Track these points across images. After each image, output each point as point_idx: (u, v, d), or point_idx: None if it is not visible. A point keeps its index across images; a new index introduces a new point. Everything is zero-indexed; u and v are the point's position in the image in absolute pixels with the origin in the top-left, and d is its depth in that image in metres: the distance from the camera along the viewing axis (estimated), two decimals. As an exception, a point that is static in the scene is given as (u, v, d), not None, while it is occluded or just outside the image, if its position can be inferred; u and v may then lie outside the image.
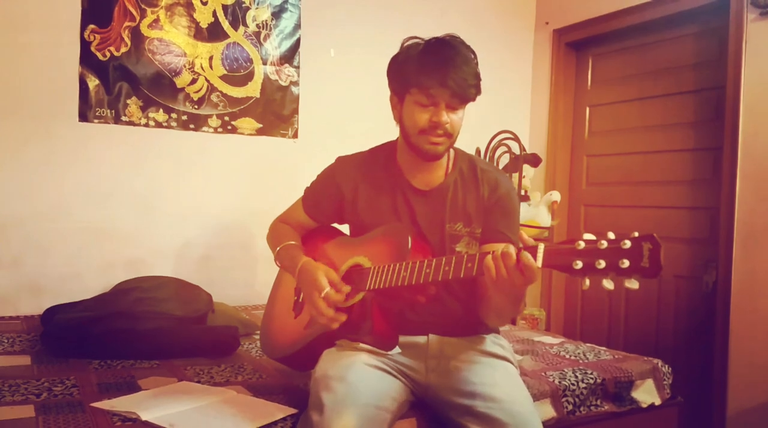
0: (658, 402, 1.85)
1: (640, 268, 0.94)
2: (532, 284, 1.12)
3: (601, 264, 0.97)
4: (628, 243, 0.95)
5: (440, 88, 1.33)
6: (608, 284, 0.98)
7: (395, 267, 1.28)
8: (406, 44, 1.41)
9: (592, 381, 1.73)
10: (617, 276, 0.97)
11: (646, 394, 1.83)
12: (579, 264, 0.99)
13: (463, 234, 1.43)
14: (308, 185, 1.62)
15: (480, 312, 1.41)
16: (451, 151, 1.49)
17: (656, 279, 0.94)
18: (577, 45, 3.17)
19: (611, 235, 0.98)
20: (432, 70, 1.33)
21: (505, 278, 1.09)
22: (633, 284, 0.96)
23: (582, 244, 1.00)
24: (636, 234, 0.96)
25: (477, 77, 1.35)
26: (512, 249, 1.09)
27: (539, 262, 1.06)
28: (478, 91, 1.37)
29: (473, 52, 1.38)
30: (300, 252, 1.50)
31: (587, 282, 1.00)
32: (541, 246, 1.06)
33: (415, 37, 1.40)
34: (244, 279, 2.67)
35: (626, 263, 0.94)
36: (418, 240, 1.37)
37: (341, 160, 1.57)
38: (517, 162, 2.95)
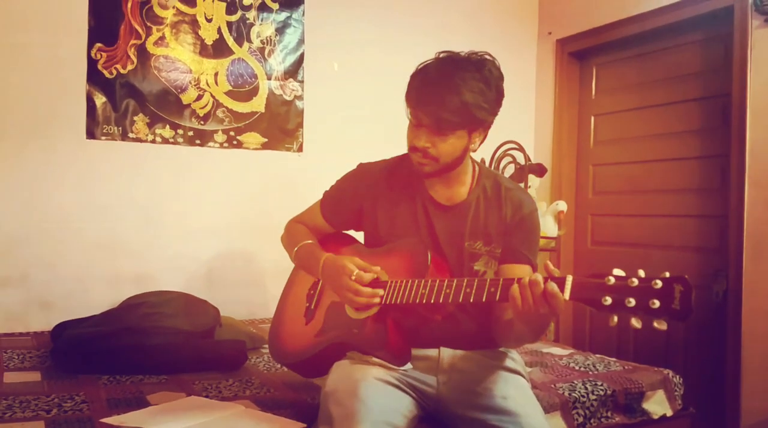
0: (669, 413, 1.83)
1: (670, 310, 0.93)
2: (557, 316, 1.11)
3: (632, 302, 0.96)
4: (659, 284, 0.94)
5: (419, 112, 1.32)
6: (636, 323, 0.96)
7: (414, 284, 1.26)
8: (429, 59, 1.38)
9: (602, 393, 1.71)
10: (645, 315, 0.95)
11: (658, 405, 1.81)
12: (608, 301, 0.98)
13: (482, 253, 1.41)
14: (327, 189, 1.60)
15: (496, 336, 1.40)
16: (476, 167, 1.48)
17: (684, 322, 0.93)
18: (580, 54, 3.18)
19: (642, 273, 0.97)
20: (416, 93, 1.33)
21: (531, 308, 1.07)
22: (662, 325, 0.94)
23: (612, 280, 0.99)
24: (667, 274, 0.95)
25: (464, 107, 1.27)
26: (540, 279, 1.07)
27: (567, 295, 1.04)
28: (471, 119, 1.30)
29: (484, 77, 1.30)
30: (320, 250, 1.49)
31: (615, 319, 0.98)
32: (569, 278, 1.05)
33: (446, 52, 1.36)
34: (251, 293, 2.67)
35: (657, 303, 0.93)
36: (436, 257, 1.35)
37: (363, 167, 1.55)
38: (523, 172, 2.95)
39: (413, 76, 1.36)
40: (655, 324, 0.95)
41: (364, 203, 1.50)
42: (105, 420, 1.35)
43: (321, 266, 1.43)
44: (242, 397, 1.59)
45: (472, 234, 1.41)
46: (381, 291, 1.31)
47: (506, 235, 1.41)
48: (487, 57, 1.35)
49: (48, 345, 1.99)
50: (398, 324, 1.34)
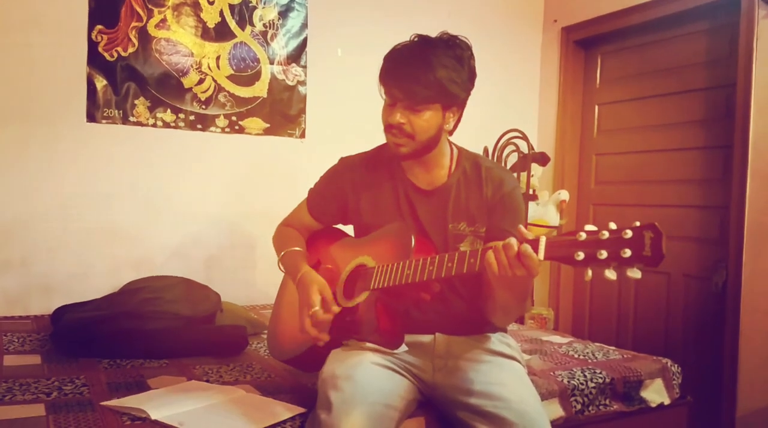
0: (667, 401, 1.84)
1: (642, 257, 0.93)
2: (534, 277, 1.12)
3: (603, 254, 0.96)
4: (629, 233, 0.95)
5: (393, 89, 1.35)
6: (610, 274, 0.97)
7: (399, 266, 1.28)
8: (404, 41, 1.42)
9: (600, 381, 1.72)
10: (620, 266, 0.96)
11: (656, 394, 1.82)
12: (581, 255, 0.99)
13: (467, 234, 1.43)
14: (312, 187, 1.63)
15: (486, 311, 1.41)
16: (455, 149, 1.49)
17: (656, 267, 0.93)
18: (585, 43, 3.15)
19: (613, 226, 0.98)
20: (389, 69, 1.37)
21: (507, 271, 1.09)
22: (635, 273, 0.95)
23: (583, 235, 1.00)
24: (637, 223, 0.96)
25: (437, 82, 1.31)
26: (514, 242, 1.08)
27: (541, 254, 1.05)
28: (444, 93, 1.34)
29: (456, 55, 1.35)
30: (302, 260, 1.50)
31: (590, 273, 0.99)
32: (543, 239, 1.06)
33: (418, 35, 1.40)
34: (252, 278, 2.67)
35: (628, 252, 0.94)
36: (421, 239, 1.37)
37: (344, 161, 1.58)
38: (526, 161, 2.94)
39: (387, 57, 1.39)
40: (629, 274, 0.96)
41: (348, 195, 1.53)
42: (105, 403, 1.35)
43: (297, 282, 1.45)
44: (243, 382, 1.59)
45: (455, 216, 1.43)
46: (326, 338, 1.34)
47: (489, 214, 1.43)
48: (460, 37, 1.39)
49: (48, 328, 2.00)
50: (389, 308, 1.35)
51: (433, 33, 1.41)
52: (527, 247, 1.06)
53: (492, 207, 1.43)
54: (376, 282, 1.32)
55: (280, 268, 1.59)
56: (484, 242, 1.42)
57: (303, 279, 1.43)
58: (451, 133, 1.45)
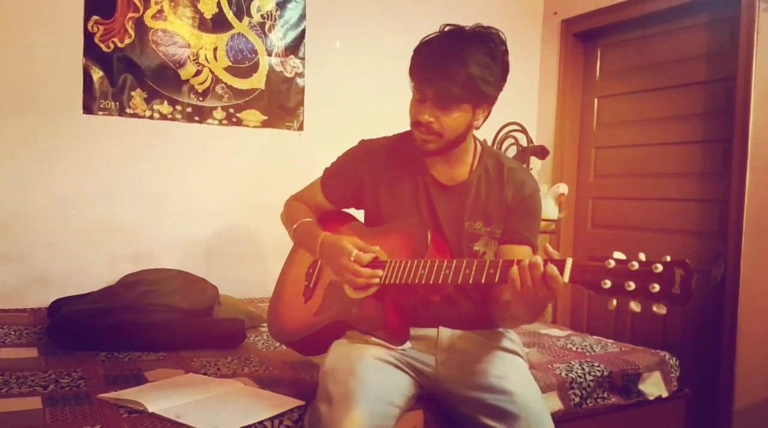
0: (665, 394, 1.84)
1: (670, 294, 0.92)
2: (555, 299, 1.10)
3: (631, 286, 0.95)
4: (660, 268, 0.93)
5: (423, 86, 1.31)
6: (635, 306, 0.96)
7: (413, 264, 1.25)
8: (434, 32, 1.36)
9: (599, 374, 1.72)
10: (645, 299, 0.95)
11: (654, 387, 1.82)
12: (608, 284, 0.97)
13: (482, 234, 1.40)
14: (328, 166, 1.58)
15: (495, 317, 1.39)
16: (478, 146, 1.46)
17: (684, 306, 0.93)
18: (585, 35, 3.14)
19: (642, 257, 0.96)
20: (421, 66, 1.31)
21: (530, 290, 1.07)
22: (661, 309, 0.94)
23: (612, 263, 0.98)
24: (668, 258, 0.94)
25: (469, 80, 1.26)
26: (540, 261, 1.06)
27: (566, 277, 1.03)
28: (476, 92, 1.29)
29: (490, 50, 1.29)
30: (319, 228, 1.47)
31: (614, 302, 0.98)
32: (569, 261, 1.04)
33: (451, 25, 1.34)
34: (249, 271, 2.66)
35: (657, 288, 0.92)
36: (436, 237, 1.34)
37: (365, 145, 1.53)
38: (525, 154, 2.93)
39: (417, 50, 1.34)
40: (655, 309, 0.94)
41: (365, 180, 1.49)
42: (102, 395, 1.35)
43: (319, 245, 1.42)
44: (241, 375, 1.59)
45: (473, 215, 1.40)
46: (380, 272, 1.30)
47: (507, 216, 1.40)
48: (493, 30, 1.33)
49: (45, 321, 1.99)
50: (397, 304, 1.33)
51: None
52: (553, 269, 1.04)
53: (511, 209, 1.40)
54: (387, 278, 1.29)
55: (292, 239, 1.55)
56: (499, 243, 1.40)
57: (326, 239, 1.40)
58: (478, 128, 1.41)
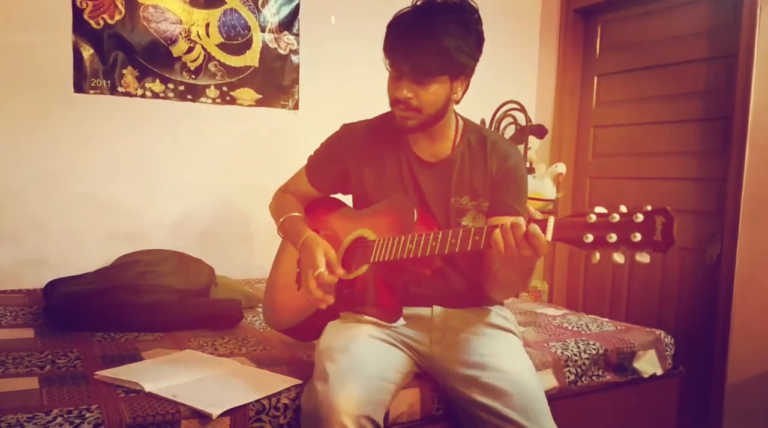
0: (659, 372, 1.85)
1: (652, 242, 0.92)
2: (540, 257, 1.10)
3: (613, 237, 0.95)
4: (640, 217, 0.93)
5: (398, 62, 1.30)
6: (619, 258, 0.96)
7: (400, 240, 1.26)
8: (406, 7, 1.35)
9: (594, 352, 1.73)
10: (628, 250, 0.95)
11: (648, 365, 1.83)
12: (590, 238, 0.97)
13: (469, 208, 1.41)
14: (312, 154, 1.58)
15: (486, 287, 1.40)
16: (460, 121, 1.46)
17: (666, 253, 0.92)
18: (585, 12, 3.09)
19: (623, 209, 0.96)
20: (394, 41, 1.31)
21: (514, 251, 1.07)
22: (644, 258, 0.94)
23: (593, 217, 0.98)
24: (649, 207, 0.94)
25: (444, 52, 1.26)
26: (522, 222, 1.06)
27: (549, 235, 1.03)
28: (452, 63, 1.28)
29: (463, 20, 1.29)
30: (304, 225, 1.48)
31: (597, 255, 0.98)
32: (551, 219, 1.04)
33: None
34: (246, 252, 2.66)
35: (638, 237, 0.92)
36: (423, 213, 1.35)
37: (347, 128, 1.53)
38: (523, 133, 2.91)
39: (390, 26, 1.33)
40: (638, 258, 0.95)
41: (349, 164, 1.49)
42: (99, 372, 1.35)
43: (300, 246, 1.42)
44: (238, 355, 1.59)
45: (458, 190, 1.41)
46: (331, 301, 1.31)
47: (493, 188, 1.41)
48: (465, 0, 1.32)
49: (41, 302, 1.98)
50: (388, 281, 1.33)
51: None
52: (536, 228, 1.04)
53: (496, 181, 1.40)
54: (376, 256, 1.30)
55: (279, 234, 1.56)
56: (487, 217, 1.40)
57: (307, 241, 1.40)
58: (457, 102, 1.41)
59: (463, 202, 1.40)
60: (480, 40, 1.34)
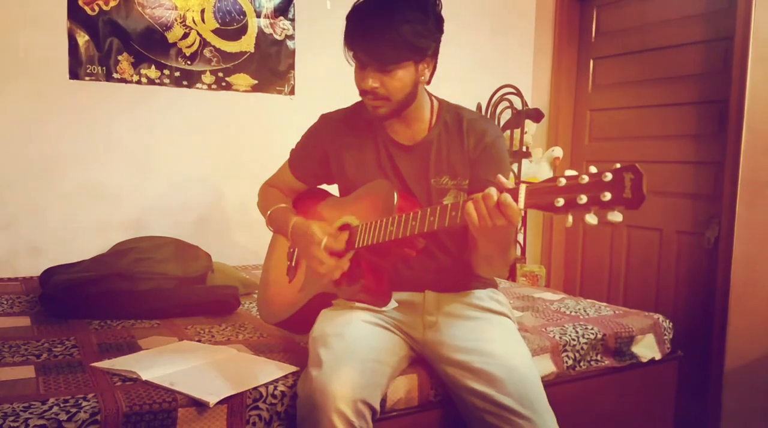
0: (658, 356, 1.85)
1: (622, 199, 0.90)
2: (515, 227, 1.09)
3: (583, 199, 0.94)
4: (609, 176, 0.92)
5: (359, 53, 1.30)
6: (591, 219, 0.94)
7: (382, 223, 1.25)
8: None
9: (592, 337, 1.73)
10: (600, 210, 0.93)
11: (647, 349, 1.84)
12: (561, 202, 0.96)
13: (449, 188, 1.40)
14: (293, 146, 1.59)
15: (472, 264, 1.40)
16: (434, 102, 1.45)
17: (638, 209, 0.90)
18: (581, -6, 3.06)
19: (593, 169, 0.95)
20: (353, 33, 1.31)
21: (487, 221, 1.06)
22: (616, 216, 0.92)
23: (563, 181, 0.97)
24: (618, 165, 0.93)
25: (402, 39, 1.25)
26: (493, 192, 1.06)
27: (521, 203, 1.03)
28: (413, 49, 1.28)
29: (420, 3, 1.28)
30: (291, 214, 1.49)
31: (570, 219, 0.97)
32: (523, 187, 1.03)
33: None
34: (242, 238, 2.65)
35: (608, 196, 0.91)
36: (404, 195, 1.34)
37: (324, 118, 1.54)
38: (519, 117, 2.89)
39: (348, 17, 1.33)
40: (609, 217, 0.93)
41: (329, 152, 1.49)
42: (96, 364, 1.35)
43: (290, 232, 1.42)
44: (235, 341, 1.59)
45: (438, 171, 1.40)
46: (346, 265, 1.30)
47: (472, 166, 1.40)
48: None
49: (37, 290, 1.98)
50: (375, 266, 1.33)
51: None
52: (507, 197, 1.03)
53: (474, 159, 1.40)
54: (360, 241, 1.30)
55: (269, 228, 1.57)
56: (468, 195, 1.39)
57: (297, 226, 1.40)
58: (428, 83, 1.40)
59: (444, 182, 1.40)
60: (439, 20, 1.33)
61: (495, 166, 1.40)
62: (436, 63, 1.38)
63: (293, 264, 1.53)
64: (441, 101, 1.47)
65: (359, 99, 1.58)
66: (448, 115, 1.44)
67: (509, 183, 1.06)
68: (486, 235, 1.11)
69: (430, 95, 1.46)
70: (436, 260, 1.43)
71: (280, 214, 1.51)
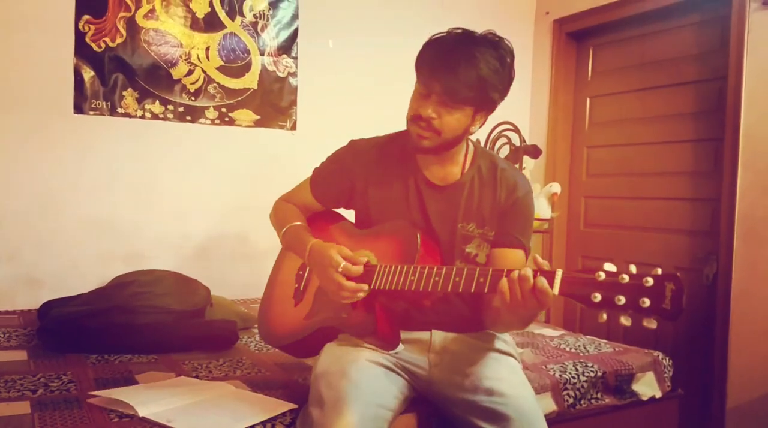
0: (658, 394, 1.84)
1: (661, 309, 0.91)
2: (545, 309, 1.10)
3: (621, 300, 0.94)
4: (650, 281, 0.92)
5: (432, 81, 1.29)
6: (626, 321, 0.95)
7: (403, 270, 1.24)
8: (442, 32, 1.36)
9: (592, 374, 1.72)
10: (635, 313, 0.94)
11: (647, 387, 1.82)
12: (598, 297, 0.96)
13: (475, 236, 1.39)
14: (318, 166, 1.56)
15: (486, 322, 1.39)
16: (470, 146, 1.45)
17: (674, 321, 0.92)
18: (577, 35, 3.14)
19: (633, 269, 0.95)
20: (432, 61, 1.30)
21: (519, 302, 1.06)
22: (651, 324, 0.93)
23: (602, 276, 0.97)
24: (659, 271, 0.93)
25: (480, 81, 1.26)
26: (529, 273, 1.05)
27: (556, 290, 1.03)
28: (483, 97, 1.29)
29: (500, 56, 1.29)
30: (308, 234, 1.45)
31: (604, 316, 0.97)
32: (559, 273, 1.03)
33: (460, 28, 1.34)
34: (242, 272, 2.65)
35: (647, 302, 0.92)
36: (427, 239, 1.33)
37: (354, 144, 1.51)
38: (517, 153, 2.93)
39: (428, 44, 1.33)
40: (645, 324, 0.94)
41: (355, 181, 1.46)
42: (93, 393, 1.33)
43: (308, 253, 1.39)
44: (233, 377, 1.58)
45: (466, 216, 1.39)
46: (365, 287, 1.27)
47: (500, 218, 1.39)
48: (504, 39, 1.33)
49: (35, 323, 1.96)
50: (387, 309, 1.32)
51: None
52: (543, 282, 1.03)
53: (503, 211, 1.39)
54: (377, 283, 1.27)
55: (281, 242, 1.54)
56: (492, 246, 1.39)
57: (315, 247, 1.37)
58: (472, 133, 1.41)
59: (470, 229, 1.39)
60: (511, 80, 1.34)
61: (522, 222, 1.40)
62: (485, 120, 1.39)
63: (301, 287, 1.48)
64: (477, 146, 1.47)
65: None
66: (483, 161, 1.43)
67: (545, 264, 1.06)
68: (513, 312, 1.11)
69: (468, 139, 1.45)
70: (449, 306, 1.41)
71: (297, 233, 1.47)
